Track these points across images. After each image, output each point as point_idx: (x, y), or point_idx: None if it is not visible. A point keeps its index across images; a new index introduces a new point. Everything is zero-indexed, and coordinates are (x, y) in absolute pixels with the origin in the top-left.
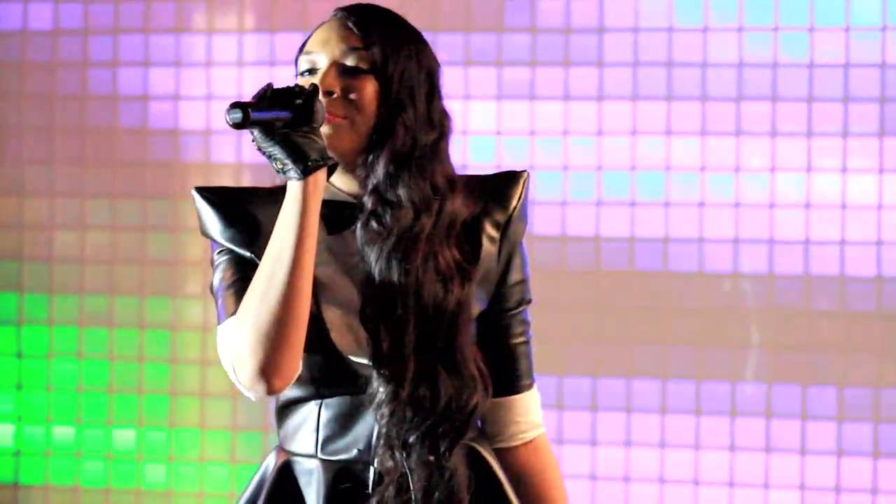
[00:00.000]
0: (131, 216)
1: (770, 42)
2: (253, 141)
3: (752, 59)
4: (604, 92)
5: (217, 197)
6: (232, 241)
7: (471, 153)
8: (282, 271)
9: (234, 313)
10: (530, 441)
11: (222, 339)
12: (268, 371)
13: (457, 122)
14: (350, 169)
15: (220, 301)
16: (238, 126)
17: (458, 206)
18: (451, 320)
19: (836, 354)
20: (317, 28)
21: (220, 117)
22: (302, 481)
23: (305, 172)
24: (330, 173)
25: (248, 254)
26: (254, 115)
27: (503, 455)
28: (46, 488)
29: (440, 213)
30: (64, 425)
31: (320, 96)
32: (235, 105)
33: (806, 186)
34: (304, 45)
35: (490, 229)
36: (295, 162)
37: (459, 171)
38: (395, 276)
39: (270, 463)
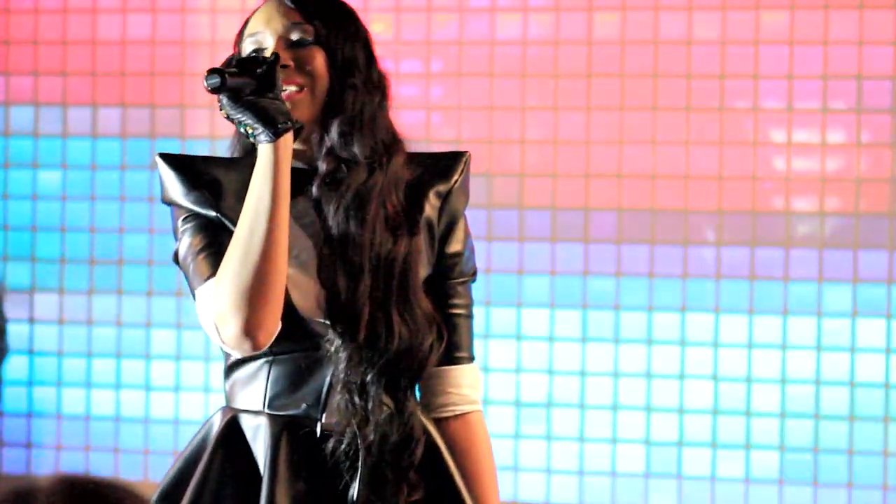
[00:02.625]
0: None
1: (752, 22)
2: (221, 108)
3: (735, 38)
4: (593, 70)
5: (179, 162)
6: (197, 202)
7: (464, 128)
8: (261, 229)
9: (209, 277)
10: (461, 415)
11: (202, 302)
12: (253, 327)
13: (452, 100)
14: (303, 136)
15: (191, 267)
16: (216, 90)
17: (402, 161)
18: (403, 267)
19: (815, 317)
20: (253, 12)
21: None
22: (249, 435)
23: (276, 135)
24: (296, 136)
25: (213, 213)
26: (230, 82)
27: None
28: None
29: (388, 167)
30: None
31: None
32: (213, 70)
33: (787, 160)
34: (243, 29)
35: (432, 197)
36: (265, 125)
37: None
38: (352, 228)
39: (216, 422)
